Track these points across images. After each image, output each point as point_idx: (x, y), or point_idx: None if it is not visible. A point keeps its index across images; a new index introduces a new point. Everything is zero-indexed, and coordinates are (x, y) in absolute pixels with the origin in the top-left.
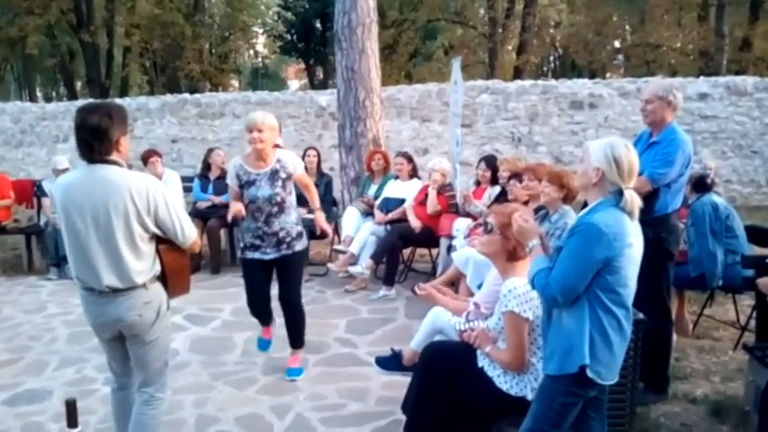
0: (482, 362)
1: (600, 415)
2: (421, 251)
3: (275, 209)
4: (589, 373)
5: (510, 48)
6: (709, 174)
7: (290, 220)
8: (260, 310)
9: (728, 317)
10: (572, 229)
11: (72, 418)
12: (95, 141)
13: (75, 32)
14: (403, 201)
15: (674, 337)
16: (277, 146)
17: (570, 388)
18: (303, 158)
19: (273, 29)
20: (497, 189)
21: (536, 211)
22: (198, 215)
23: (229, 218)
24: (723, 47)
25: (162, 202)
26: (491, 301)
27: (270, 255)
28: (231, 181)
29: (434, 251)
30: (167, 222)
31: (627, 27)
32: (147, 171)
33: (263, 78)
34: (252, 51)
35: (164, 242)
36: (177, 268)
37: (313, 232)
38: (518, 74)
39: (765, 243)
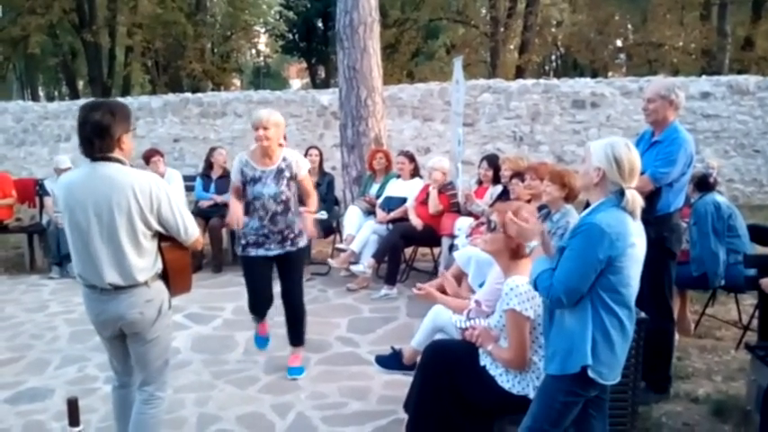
0: (484, 361)
1: (602, 414)
2: (423, 250)
3: (280, 207)
4: (591, 374)
5: (512, 47)
6: (712, 173)
7: (294, 218)
8: (262, 309)
9: (731, 316)
10: (574, 229)
11: (73, 417)
12: (96, 138)
13: (77, 32)
14: (405, 200)
15: (676, 336)
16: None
17: (571, 388)
18: (305, 158)
19: (275, 28)
20: (499, 188)
21: (538, 210)
22: (200, 214)
23: (228, 222)
24: (725, 46)
25: (165, 200)
26: (492, 299)
27: (273, 251)
28: (235, 176)
29: (436, 250)
30: (170, 220)
31: (629, 26)
32: (149, 170)
33: (264, 77)
34: (254, 51)
35: (166, 240)
36: (179, 267)
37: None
38: (520, 73)
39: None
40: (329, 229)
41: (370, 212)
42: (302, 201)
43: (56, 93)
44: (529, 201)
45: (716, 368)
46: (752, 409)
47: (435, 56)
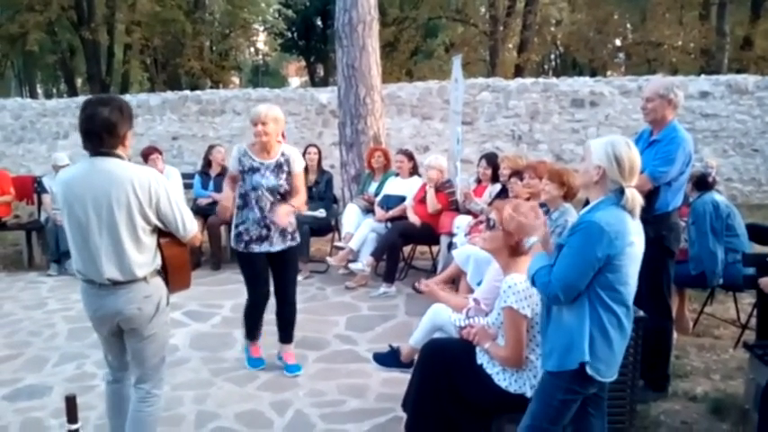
0: (481, 359)
1: (600, 412)
2: (421, 248)
3: (279, 198)
4: (588, 370)
5: (511, 46)
6: (711, 172)
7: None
8: (262, 310)
9: (729, 315)
10: (573, 227)
11: (72, 414)
12: (105, 134)
13: (75, 29)
14: (403, 198)
15: (675, 334)
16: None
17: (570, 385)
18: (303, 156)
19: (274, 26)
20: (498, 187)
21: None
22: (199, 212)
23: (218, 212)
24: (724, 45)
25: (164, 195)
26: (491, 297)
27: (277, 246)
28: (233, 165)
29: (435, 248)
30: (169, 215)
31: (628, 25)
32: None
33: (263, 76)
34: (252, 49)
35: (165, 236)
36: (178, 263)
37: (314, 228)
38: (519, 72)
39: (766, 241)
40: (327, 227)
41: (368, 211)
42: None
43: (54, 90)
44: (527, 199)
45: (714, 367)
46: (750, 407)
47: (434, 54)
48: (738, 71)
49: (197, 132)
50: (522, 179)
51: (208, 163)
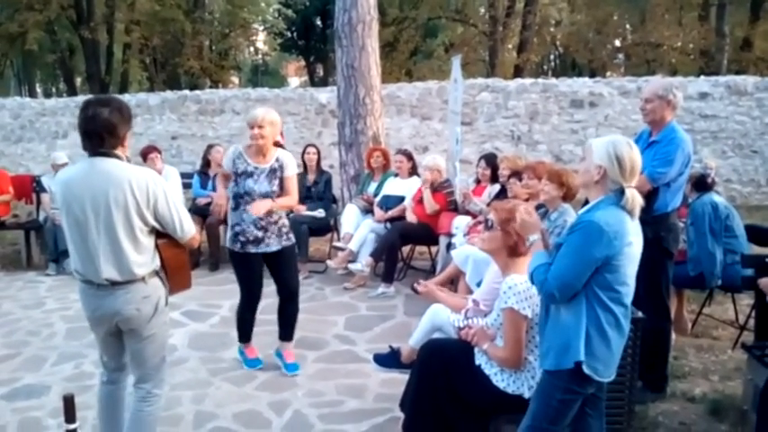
0: (479, 360)
1: (598, 413)
2: (420, 249)
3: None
4: (585, 369)
5: (510, 46)
6: (710, 173)
7: (284, 214)
8: (254, 311)
9: (727, 316)
10: (572, 226)
11: (70, 414)
12: (106, 134)
13: (75, 28)
14: (402, 198)
15: (673, 335)
16: (277, 144)
17: (568, 384)
18: (303, 156)
19: (274, 26)
20: (497, 187)
21: (536, 209)
22: (197, 212)
23: (212, 210)
24: (723, 46)
25: (162, 196)
26: (490, 298)
27: (273, 247)
28: (227, 164)
29: (434, 249)
30: (166, 216)
31: (627, 26)
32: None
33: (263, 75)
34: (252, 48)
35: (163, 237)
36: (177, 264)
37: (313, 228)
38: (518, 72)
39: (765, 242)
40: (327, 227)
41: (367, 211)
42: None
43: (53, 89)
44: (527, 200)
45: (713, 368)
46: (748, 408)
47: (434, 54)
48: (738, 72)
49: (196, 132)
50: (521, 180)
51: (207, 163)
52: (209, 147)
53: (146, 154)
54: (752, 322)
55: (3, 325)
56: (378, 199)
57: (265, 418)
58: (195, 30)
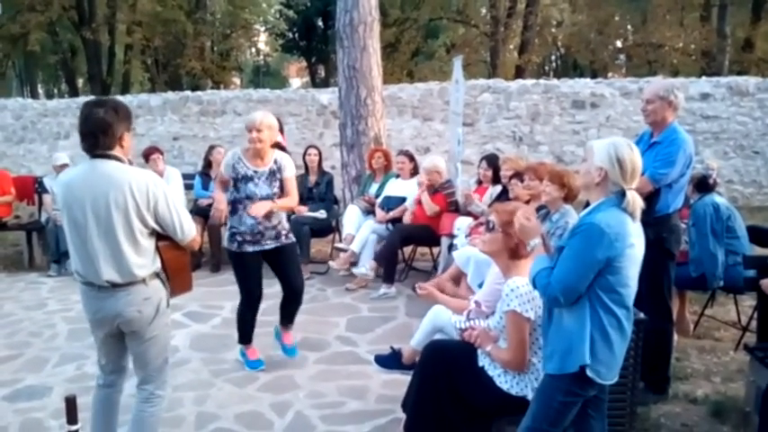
0: (482, 361)
1: (600, 414)
2: (422, 250)
3: None
4: (589, 373)
5: (512, 47)
6: (712, 174)
7: (283, 216)
8: (255, 312)
9: (730, 317)
10: (574, 228)
11: (72, 415)
12: (100, 134)
13: (76, 29)
14: (404, 199)
15: (675, 337)
16: (279, 145)
17: (570, 387)
18: (304, 157)
19: (275, 27)
20: (499, 188)
21: (537, 210)
22: (199, 213)
23: (213, 216)
24: (725, 47)
25: (162, 199)
26: (492, 299)
27: (269, 245)
28: (225, 169)
29: (435, 250)
30: (167, 219)
31: (629, 27)
32: (148, 168)
33: (264, 76)
34: (253, 49)
35: (163, 239)
36: (178, 266)
37: (314, 229)
38: (520, 73)
39: (767, 243)
40: (328, 228)
41: (369, 212)
42: (302, 199)
43: (55, 90)
44: (528, 201)
45: (715, 369)
46: (751, 410)
47: (435, 55)
48: (739, 73)
49: (198, 133)
50: (522, 181)
51: (208, 163)
52: (211, 147)
53: (148, 155)
54: (754, 323)
55: (4, 326)
56: (379, 200)
57: (267, 420)
58: (197, 31)
